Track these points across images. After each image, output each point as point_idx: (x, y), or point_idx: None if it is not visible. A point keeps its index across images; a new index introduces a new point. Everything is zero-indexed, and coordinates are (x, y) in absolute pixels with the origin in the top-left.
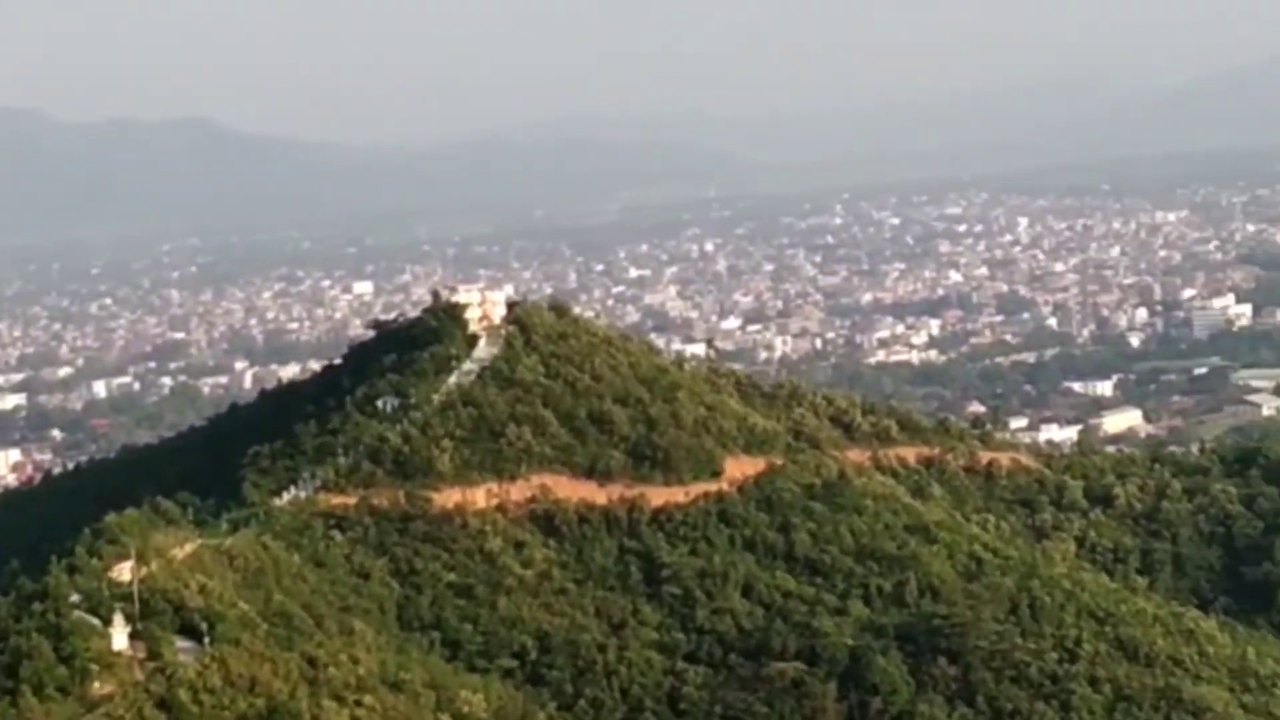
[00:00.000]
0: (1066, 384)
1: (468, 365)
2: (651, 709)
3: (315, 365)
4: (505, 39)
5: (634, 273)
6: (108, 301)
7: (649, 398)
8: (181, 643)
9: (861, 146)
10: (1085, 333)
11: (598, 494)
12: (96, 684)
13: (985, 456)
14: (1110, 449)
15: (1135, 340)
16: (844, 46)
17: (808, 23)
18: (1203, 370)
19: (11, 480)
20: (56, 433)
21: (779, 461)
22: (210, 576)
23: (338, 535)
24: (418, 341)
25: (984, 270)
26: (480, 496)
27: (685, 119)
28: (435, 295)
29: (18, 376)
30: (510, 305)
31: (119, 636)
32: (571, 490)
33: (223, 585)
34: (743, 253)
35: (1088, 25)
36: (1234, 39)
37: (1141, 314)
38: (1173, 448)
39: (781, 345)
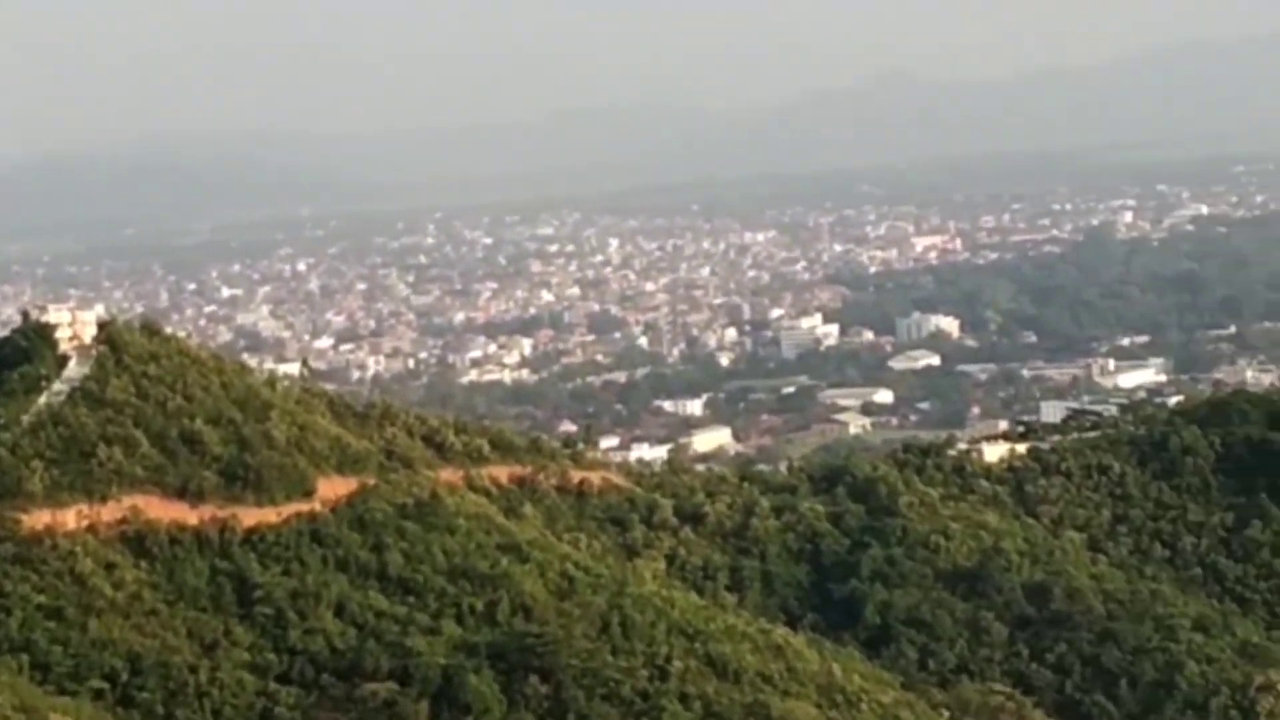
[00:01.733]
0: (657, 403)
1: (58, 385)
2: None
3: None
4: (85, 53)
5: (226, 292)
6: None
7: (241, 418)
8: None
9: (455, 166)
10: (675, 352)
11: (189, 515)
12: None
13: (577, 475)
14: (700, 467)
15: (725, 359)
16: (437, 65)
17: (401, 40)
18: (791, 389)
19: None
20: None
21: (371, 481)
22: None
23: None
24: (7, 361)
25: (576, 290)
26: (71, 518)
27: (278, 137)
28: (25, 315)
29: None
30: (101, 325)
31: None
32: (163, 511)
33: None
34: (335, 272)
35: (676, 47)
36: (822, 62)
37: (731, 333)
38: (762, 466)
39: (374, 365)
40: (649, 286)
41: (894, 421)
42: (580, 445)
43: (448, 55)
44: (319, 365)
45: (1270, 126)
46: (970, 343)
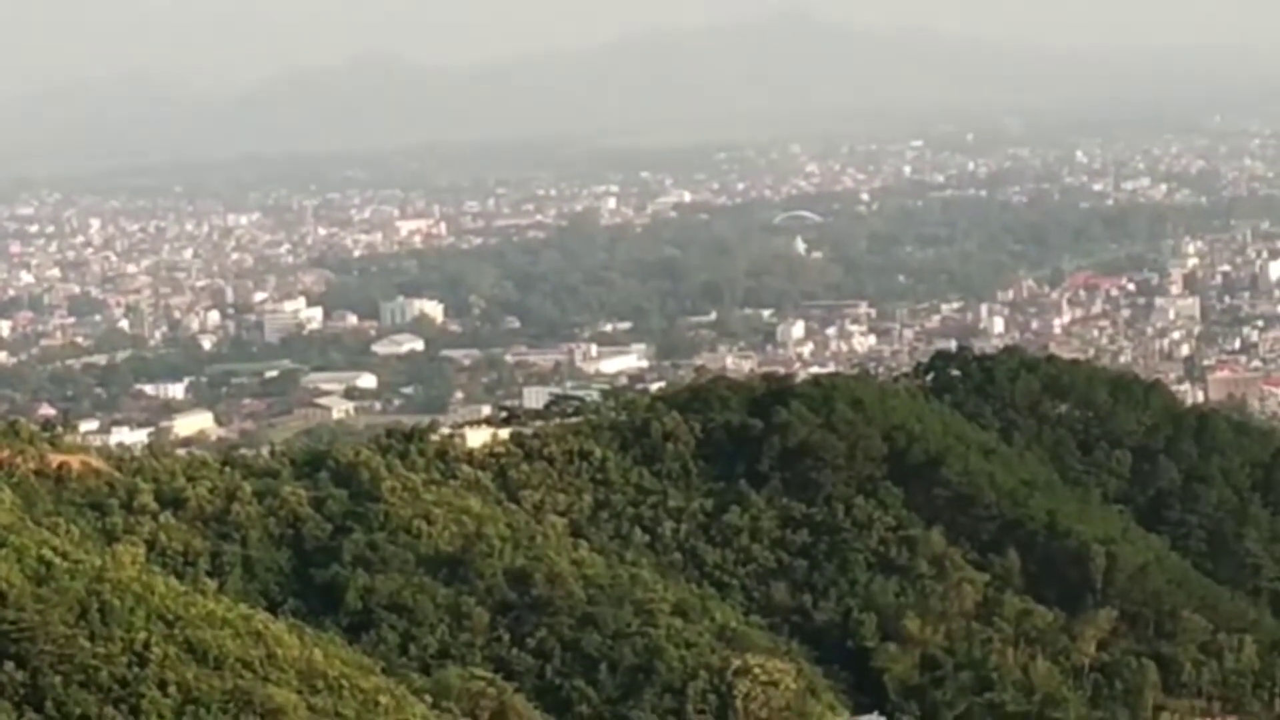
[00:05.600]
0: (138, 386)
1: None
2: None
3: None
4: None
5: None
6: None
7: None
8: None
9: None
10: (157, 335)
11: None
12: None
13: (56, 459)
14: (182, 451)
15: (207, 343)
16: None
17: None
18: (274, 373)
19: None
20: None
21: None
22: None
23: None
24: None
25: (56, 271)
26: None
27: None
28: None
29: None
30: None
31: None
32: None
33: None
34: None
35: (158, 22)
36: (309, 40)
37: (214, 316)
38: (244, 450)
39: None
40: (131, 268)
41: (377, 406)
42: (59, 429)
43: None
44: None
45: (750, 114)
46: (454, 328)
